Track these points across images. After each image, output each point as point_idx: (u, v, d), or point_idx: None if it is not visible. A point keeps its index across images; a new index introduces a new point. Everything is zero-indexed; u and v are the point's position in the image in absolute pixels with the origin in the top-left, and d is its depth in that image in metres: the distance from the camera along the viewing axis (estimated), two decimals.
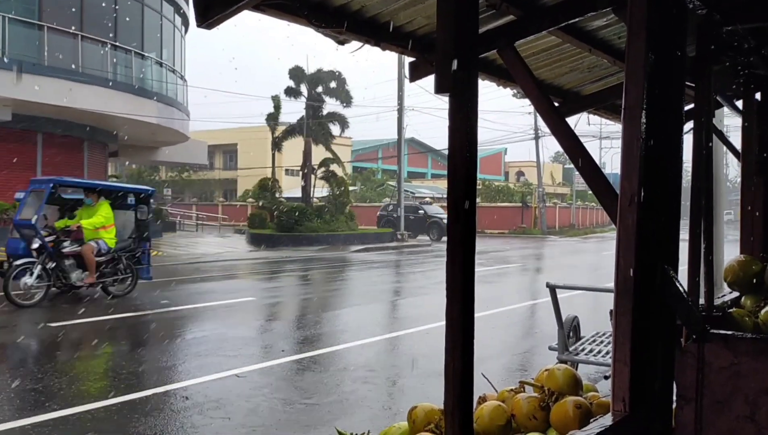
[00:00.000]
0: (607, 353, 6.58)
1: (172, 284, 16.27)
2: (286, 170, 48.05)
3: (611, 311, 2.07)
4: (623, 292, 2.01)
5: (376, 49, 2.65)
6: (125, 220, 14.21)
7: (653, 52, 1.97)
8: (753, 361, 2.20)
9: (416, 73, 2.88)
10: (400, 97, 34.54)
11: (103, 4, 24.81)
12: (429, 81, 2.24)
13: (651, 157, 1.99)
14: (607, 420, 2.01)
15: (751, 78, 3.37)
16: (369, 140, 62.75)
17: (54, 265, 12.19)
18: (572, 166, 2.95)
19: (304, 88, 32.64)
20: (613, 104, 3.90)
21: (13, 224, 12.97)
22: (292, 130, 33.56)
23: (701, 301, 2.67)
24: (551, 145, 73.12)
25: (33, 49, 21.79)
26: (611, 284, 2.14)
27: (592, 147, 64.18)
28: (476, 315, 1.71)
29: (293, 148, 35.83)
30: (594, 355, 6.76)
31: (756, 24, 2.75)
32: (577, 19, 2.54)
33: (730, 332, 2.30)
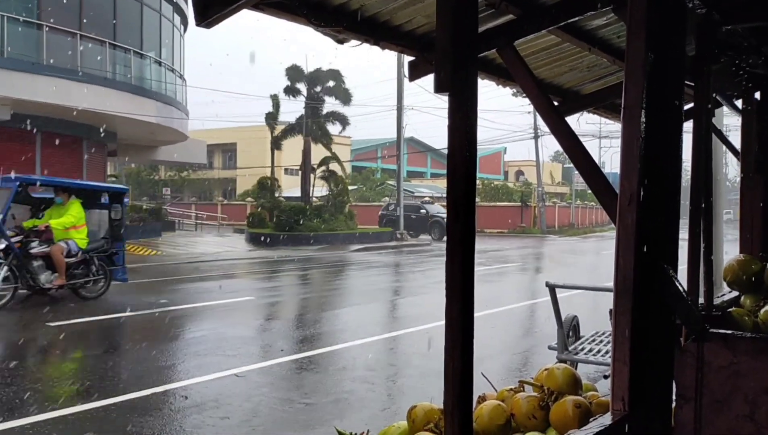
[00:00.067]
0: (607, 353, 6.59)
1: (172, 283, 16.28)
2: (286, 169, 48.05)
3: (611, 311, 2.07)
4: (623, 291, 2.01)
5: (376, 49, 2.64)
6: (99, 219, 13.81)
7: (653, 52, 1.97)
8: (752, 361, 2.20)
9: (415, 73, 2.88)
10: (399, 97, 34.56)
11: (102, 4, 24.83)
12: (428, 80, 2.24)
13: (650, 157, 1.99)
14: (606, 419, 2.01)
15: (751, 77, 3.37)
16: (368, 139, 62.77)
17: (21, 266, 11.74)
18: (572, 165, 2.95)
19: (303, 88, 32.63)
20: (612, 103, 3.89)
21: None
22: (291, 129, 33.56)
23: (701, 300, 2.67)
24: (551, 144, 73.14)
25: (32, 48, 21.79)
26: (611, 284, 2.14)
27: (591, 146, 64.22)
28: (476, 314, 1.71)
29: (293, 148, 35.83)
30: (593, 355, 6.77)
31: (755, 23, 2.75)
32: (576, 18, 2.54)
33: (729, 332, 2.30)
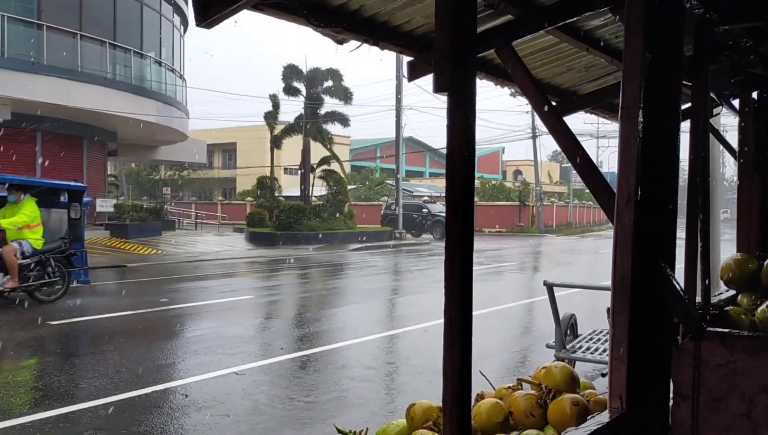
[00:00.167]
0: (604, 351, 6.60)
1: (171, 282, 16.29)
2: (285, 169, 48.08)
3: (608, 309, 2.08)
4: (620, 290, 2.02)
5: (375, 49, 2.65)
6: (58, 219, 13.16)
7: (650, 52, 1.98)
8: (749, 359, 2.21)
9: (415, 73, 2.89)
10: (398, 97, 34.55)
11: (102, 4, 24.83)
12: (427, 80, 2.25)
13: (648, 156, 2.00)
14: (604, 417, 2.02)
15: (748, 77, 3.38)
16: (367, 139, 62.78)
17: None
18: (570, 165, 2.96)
19: (302, 87, 32.60)
20: (610, 103, 3.90)
21: None
22: (291, 129, 33.54)
23: (698, 299, 2.68)
24: (549, 144, 73.24)
25: (32, 47, 21.79)
26: (608, 282, 2.16)
27: (589, 146, 64.27)
28: (474, 313, 1.72)
29: (292, 147, 35.83)
30: (591, 353, 6.78)
31: (752, 23, 2.76)
32: (574, 19, 2.55)
33: (726, 330, 2.32)
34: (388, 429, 2.31)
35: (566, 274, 18.37)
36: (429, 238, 35.88)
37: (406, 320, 11.32)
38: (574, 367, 4.01)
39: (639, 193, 1.98)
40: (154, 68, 27.73)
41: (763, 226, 3.81)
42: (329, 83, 32.48)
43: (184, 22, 30.78)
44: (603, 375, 6.48)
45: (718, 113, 3.80)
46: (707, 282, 2.68)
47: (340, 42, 2.55)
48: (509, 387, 2.45)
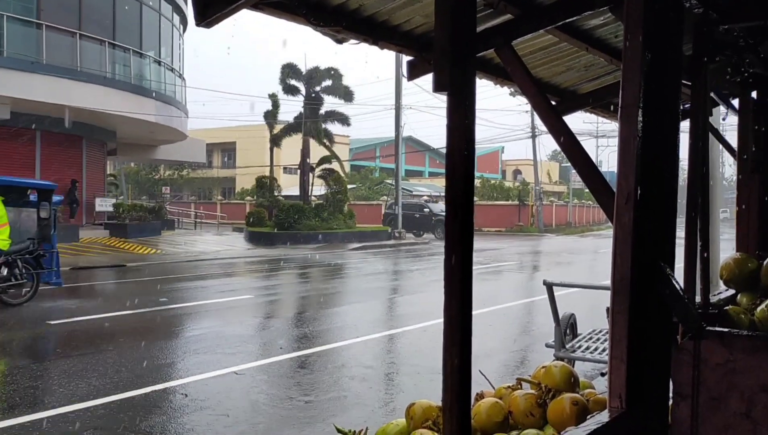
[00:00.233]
0: (604, 350, 6.60)
1: (171, 282, 16.28)
2: (285, 168, 48.08)
3: (608, 309, 2.08)
4: (620, 289, 2.02)
5: (374, 48, 2.65)
6: (27, 218, 12.72)
7: (650, 51, 1.98)
8: (749, 358, 2.21)
9: (414, 72, 2.89)
10: (398, 96, 34.54)
11: (102, 3, 24.81)
12: (427, 79, 2.25)
13: (647, 156, 2.00)
14: (603, 416, 2.03)
15: (747, 76, 3.38)
16: (367, 139, 62.77)
17: None
18: (569, 164, 2.96)
19: (301, 86, 32.60)
20: (609, 103, 3.90)
21: None
22: (290, 128, 33.54)
23: (697, 298, 2.68)
24: (548, 143, 73.19)
25: (31, 47, 21.78)
26: (608, 282, 2.16)
27: (588, 145, 64.27)
28: (474, 312, 1.72)
29: (291, 147, 35.84)
30: (591, 353, 6.78)
31: (752, 23, 2.76)
32: (574, 18, 2.55)
33: (726, 329, 2.32)
34: (388, 428, 2.31)
35: (566, 274, 18.38)
36: (430, 238, 35.88)
37: (406, 320, 11.32)
38: (573, 366, 4.01)
39: (638, 192, 1.98)
40: (154, 67, 27.72)
41: (763, 226, 3.81)
42: (329, 82, 32.47)
43: (184, 21, 30.76)
44: (602, 374, 6.48)
45: (725, 118, 3.79)
46: (707, 281, 2.68)
47: (340, 41, 2.55)
48: (509, 386, 2.44)
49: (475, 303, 1.74)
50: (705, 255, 2.64)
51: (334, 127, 33.78)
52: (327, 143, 32.86)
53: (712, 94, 3.22)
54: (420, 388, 6.89)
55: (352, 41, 2.58)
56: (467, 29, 1.70)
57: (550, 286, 6.79)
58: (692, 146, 2.66)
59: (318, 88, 32.64)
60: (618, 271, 2.02)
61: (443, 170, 1.75)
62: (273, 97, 33.74)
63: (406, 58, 2.91)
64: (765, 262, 3.14)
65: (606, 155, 63.83)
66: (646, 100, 1.97)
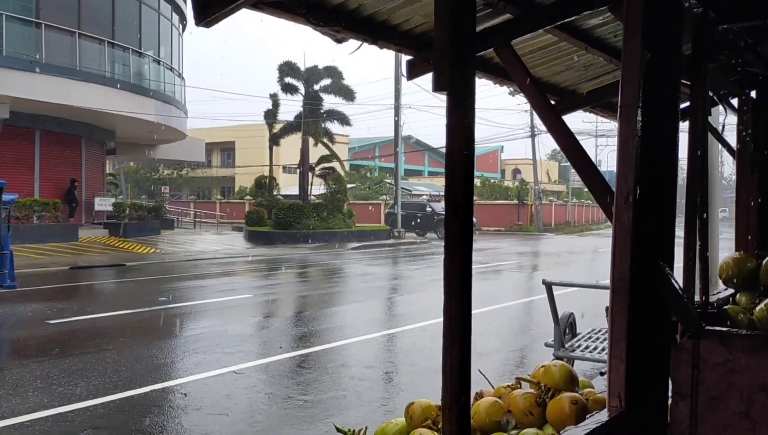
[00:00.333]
0: (603, 350, 6.60)
1: (170, 281, 16.28)
2: (284, 168, 48.08)
3: (607, 308, 2.08)
4: (619, 289, 2.02)
5: (374, 48, 2.65)
6: None
7: (649, 51, 1.98)
8: (748, 358, 2.21)
9: (414, 72, 2.89)
10: (397, 96, 34.54)
11: (101, 2, 24.80)
12: (426, 79, 2.25)
13: (647, 155, 2.00)
14: (603, 416, 2.03)
15: (747, 76, 3.38)
16: (366, 138, 62.74)
17: None
18: (568, 163, 2.96)
19: (300, 85, 32.57)
20: (609, 102, 3.90)
21: None
22: (290, 127, 33.52)
23: (697, 298, 2.68)
24: (548, 142, 73.24)
25: (31, 46, 21.76)
26: (607, 281, 2.16)
27: (588, 145, 64.26)
28: (473, 312, 1.73)
29: (291, 146, 35.83)
30: (590, 352, 6.78)
31: (751, 22, 2.76)
32: (573, 18, 2.55)
33: (725, 329, 2.32)
34: (387, 428, 2.31)
35: (565, 273, 18.39)
36: (431, 237, 35.85)
37: (405, 319, 11.32)
38: (572, 365, 4.01)
39: (638, 192, 1.98)
40: (153, 67, 27.71)
41: (762, 225, 3.82)
42: (328, 81, 32.44)
43: (183, 20, 30.75)
44: (602, 374, 6.48)
45: (725, 121, 3.79)
46: (706, 281, 2.68)
47: (339, 41, 2.55)
48: (508, 386, 2.44)
49: (474, 302, 1.74)
50: (704, 255, 2.64)
51: (333, 127, 33.77)
52: (326, 142, 32.85)
53: (711, 94, 3.22)
54: (419, 387, 6.90)
55: (353, 43, 2.58)
56: (467, 29, 1.70)
57: (549, 286, 6.79)
58: (691, 146, 2.66)
59: (317, 87, 32.61)
60: (617, 270, 2.02)
61: (443, 169, 1.75)
62: (273, 97, 33.71)
63: (405, 58, 2.90)
64: (764, 262, 3.14)
65: (605, 155, 63.81)
66: (645, 100, 1.98)
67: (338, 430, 2.32)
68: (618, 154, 2.03)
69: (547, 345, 7.16)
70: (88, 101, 21.74)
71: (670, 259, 2.15)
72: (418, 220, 37.39)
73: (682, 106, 2.77)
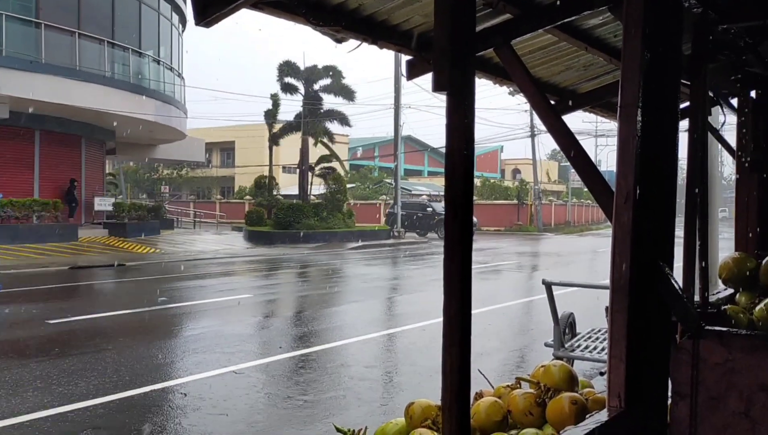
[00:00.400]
0: (603, 350, 6.60)
1: (170, 281, 16.27)
2: (284, 168, 48.09)
3: (607, 308, 2.08)
4: (619, 289, 2.02)
5: (374, 48, 2.65)
6: None
7: (649, 51, 1.98)
8: (747, 358, 2.21)
9: (413, 72, 2.89)
10: (397, 95, 34.54)
11: (101, 2, 24.80)
12: (426, 79, 2.24)
13: (647, 155, 2.00)
14: (602, 416, 2.03)
15: (747, 76, 3.38)
16: (366, 138, 62.77)
17: None
18: (568, 163, 2.96)
19: (300, 85, 32.56)
20: (609, 102, 3.90)
21: None
22: (289, 127, 33.52)
23: (696, 298, 2.68)
24: (547, 142, 73.26)
25: (31, 46, 21.76)
26: (607, 281, 2.16)
27: (588, 145, 64.29)
28: (473, 312, 1.72)
29: (291, 146, 35.83)
30: (590, 352, 6.78)
31: (751, 22, 2.76)
32: (573, 18, 2.55)
33: (724, 329, 2.31)
34: (387, 428, 2.31)
35: (565, 273, 18.38)
36: (431, 237, 35.84)
37: (405, 319, 11.32)
38: (572, 365, 4.01)
39: (638, 192, 1.98)
40: (153, 67, 27.71)
41: (762, 225, 3.82)
42: (328, 81, 32.43)
43: (183, 20, 30.75)
44: (602, 374, 6.47)
45: (725, 121, 3.79)
46: (706, 281, 2.68)
47: (339, 41, 2.55)
48: (508, 386, 2.44)
49: (474, 302, 1.74)
50: (704, 254, 2.64)
51: (333, 127, 33.77)
52: (326, 142, 32.85)
53: (711, 94, 3.22)
54: (419, 387, 6.90)
55: (352, 42, 2.58)
56: (467, 29, 1.69)
57: (549, 286, 6.79)
58: (691, 145, 2.66)
59: (317, 87, 32.60)
60: (617, 270, 2.02)
61: (442, 169, 1.75)
62: (273, 97, 33.72)
63: (405, 57, 2.90)
64: (764, 262, 3.14)
65: (605, 154, 63.85)
66: (645, 100, 1.97)
67: (338, 430, 2.32)
68: (618, 154, 2.03)
69: (546, 345, 7.16)
70: (88, 101, 21.74)
71: (670, 259, 2.15)
72: (419, 220, 37.37)
73: (682, 106, 2.77)
